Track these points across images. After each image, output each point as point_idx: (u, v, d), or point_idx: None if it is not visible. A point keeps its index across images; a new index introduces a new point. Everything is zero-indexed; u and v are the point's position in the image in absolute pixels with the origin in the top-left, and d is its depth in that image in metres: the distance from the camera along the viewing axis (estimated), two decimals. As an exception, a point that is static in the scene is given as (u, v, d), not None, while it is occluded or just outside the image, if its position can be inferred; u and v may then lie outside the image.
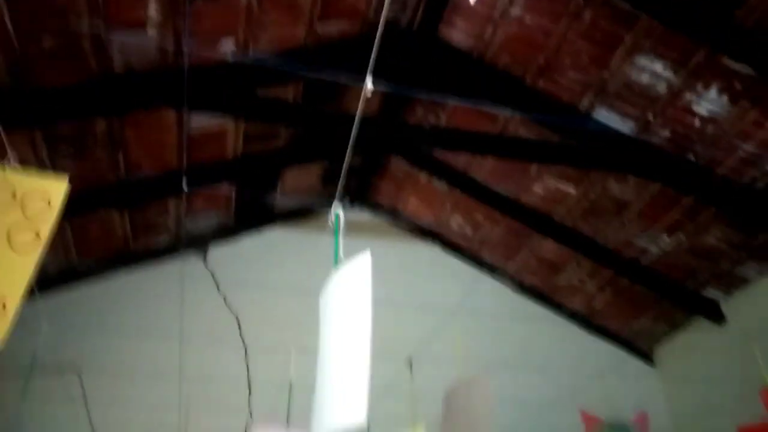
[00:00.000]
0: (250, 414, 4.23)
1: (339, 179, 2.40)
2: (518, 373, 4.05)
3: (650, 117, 3.70)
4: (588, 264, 5.03)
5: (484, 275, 5.59)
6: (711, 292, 4.80)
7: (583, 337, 5.56)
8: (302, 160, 4.77)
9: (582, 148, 3.93)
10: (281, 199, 5.15)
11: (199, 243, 4.94)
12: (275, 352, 4.01)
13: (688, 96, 3.51)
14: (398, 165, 5.04)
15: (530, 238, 5.01)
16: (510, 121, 4.05)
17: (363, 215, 5.36)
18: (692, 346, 5.06)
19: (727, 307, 4.75)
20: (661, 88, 3.52)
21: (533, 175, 4.49)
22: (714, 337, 4.77)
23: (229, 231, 5.10)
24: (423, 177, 5.00)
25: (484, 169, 4.66)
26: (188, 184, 3.83)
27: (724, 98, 3.43)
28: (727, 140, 3.64)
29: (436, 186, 4.99)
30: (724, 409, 3.69)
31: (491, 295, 5.47)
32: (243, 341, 4.52)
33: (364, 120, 2.21)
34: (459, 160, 4.68)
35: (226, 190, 4.65)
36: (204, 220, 4.87)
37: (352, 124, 2.28)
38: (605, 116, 3.80)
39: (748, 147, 3.61)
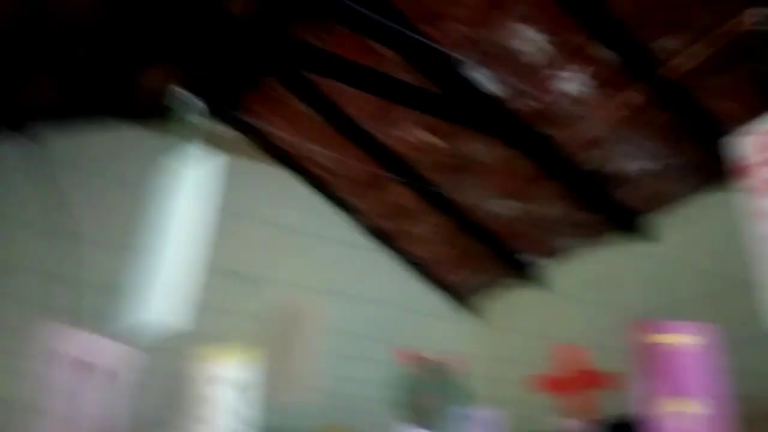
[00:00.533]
0: (57, 312, 3.94)
1: (200, 82, 2.25)
2: (349, 304, 4.17)
3: (519, 84, 3.85)
4: (434, 215, 5.25)
5: (336, 208, 5.66)
6: (536, 258, 5.26)
7: (417, 281, 5.86)
8: (163, 57, 4.37)
9: (452, 101, 4.01)
10: (136, 96, 4.73)
11: (34, 124, 4.43)
12: (105, 247, 3.76)
13: (559, 73, 3.69)
14: (271, 85, 4.82)
15: (386, 182, 5.09)
16: (391, 62, 4.01)
17: (225, 130, 5.11)
18: (514, 303, 5.55)
19: (547, 272, 5.23)
20: (536, 59, 3.67)
21: (402, 120, 4.53)
22: (534, 296, 5.27)
23: (72, 117, 4.63)
24: (294, 102, 4.84)
25: (357, 105, 4.61)
26: (26, 52, 3.37)
27: (590, 81, 3.66)
28: (581, 121, 3.90)
29: (306, 113, 4.86)
30: (529, 360, 4.09)
31: (339, 227, 5.55)
32: (68, 233, 4.16)
33: (241, 22, 2.06)
34: (334, 91, 4.58)
35: (74, 74, 4.14)
36: (43, 100, 4.35)
37: (227, 24, 2.12)
38: (479, 74, 3.90)
39: (599, 131, 3.90)
